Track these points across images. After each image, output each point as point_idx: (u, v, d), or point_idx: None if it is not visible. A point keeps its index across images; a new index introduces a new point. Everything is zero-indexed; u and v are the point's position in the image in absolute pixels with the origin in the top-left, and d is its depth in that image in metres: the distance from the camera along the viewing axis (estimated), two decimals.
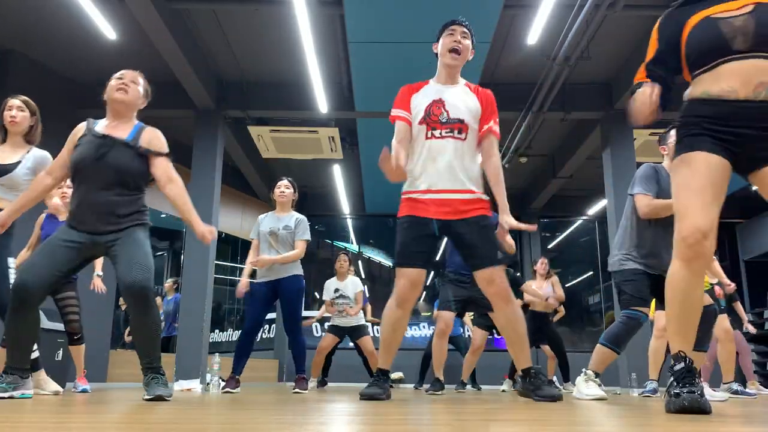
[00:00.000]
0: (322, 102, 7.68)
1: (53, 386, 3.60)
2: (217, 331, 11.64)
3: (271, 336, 11.60)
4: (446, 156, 2.93)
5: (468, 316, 7.51)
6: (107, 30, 6.36)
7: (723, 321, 4.73)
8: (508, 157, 9.11)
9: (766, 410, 2.43)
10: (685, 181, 1.95)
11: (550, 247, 12.73)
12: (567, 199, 11.69)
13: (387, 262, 12.49)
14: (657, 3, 5.99)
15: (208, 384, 4.93)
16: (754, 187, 2.08)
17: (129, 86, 2.85)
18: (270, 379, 10.83)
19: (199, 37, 7.05)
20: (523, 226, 3.07)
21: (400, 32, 6.13)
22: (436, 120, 2.95)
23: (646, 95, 2.08)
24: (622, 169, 7.61)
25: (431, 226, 2.91)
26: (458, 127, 2.96)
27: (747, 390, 5.03)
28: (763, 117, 1.93)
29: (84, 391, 4.18)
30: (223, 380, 4.68)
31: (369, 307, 6.92)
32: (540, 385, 2.94)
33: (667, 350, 4.83)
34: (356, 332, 6.10)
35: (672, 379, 1.92)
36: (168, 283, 9.08)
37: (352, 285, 6.14)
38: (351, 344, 6.46)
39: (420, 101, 3.00)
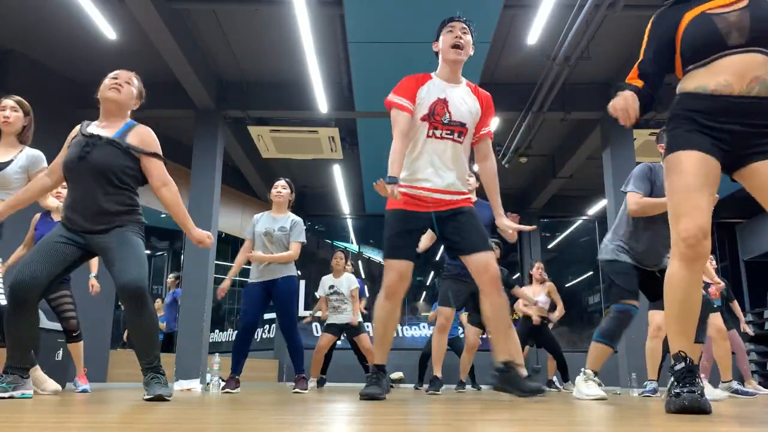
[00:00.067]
0: (322, 102, 7.68)
1: (52, 385, 3.59)
2: (217, 331, 11.65)
3: (271, 336, 11.60)
4: (445, 157, 2.96)
5: (463, 315, 7.51)
6: (107, 30, 6.36)
7: (716, 319, 4.73)
8: (508, 157, 9.11)
9: (766, 410, 2.43)
10: (682, 181, 1.95)
11: (550, 247, 12.73)
12: (567, 199, 11.69)
13: None
14: (657, 3, 5.93)
15: (208, 384, 4.93)
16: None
17: (122, 86, 2.84)
18: (270, 379, 10.83)
19: (199, 37, 7.05)
20: (516, 226, 3.09)
21: (400, 32, 6.13)
22: (438, 120, 2.95)
23: (628, 101, 2.07)
24: (622, 169, 7.61)
25: (426, 220, 2.95)
26: (459, 130, 2.99)
27: (746, 389, 5.03)
28: (755, 112, 1.94)
29: (84, 390, 4.17)
30: (223, 380, 4.68)
31: (363, 302, 6.88)
32: (520, 379, 2.93)
33: (666, 350, 4.84)
34: (353, 330, 6.11)
35: (672, 379, 1.92)
36: (170, 278, 9.24)
37: (347, 282, 6.15)
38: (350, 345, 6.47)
39: (425, 97, 2.97)
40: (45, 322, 4.54)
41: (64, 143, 2.85)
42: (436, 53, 3.10)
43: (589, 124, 8.33)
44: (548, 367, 7.34)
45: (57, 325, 4.44)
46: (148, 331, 2.66)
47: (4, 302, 3.15)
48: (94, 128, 2.81)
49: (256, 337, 11.63)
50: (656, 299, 3.73)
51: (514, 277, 11.33)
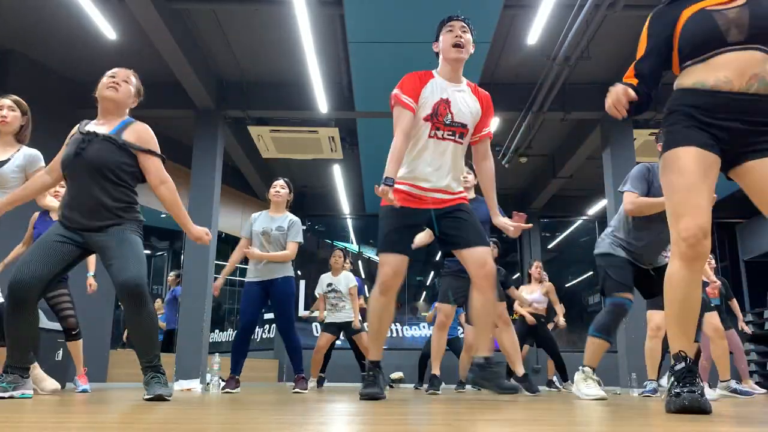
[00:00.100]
0: (322, 102, 7.68)
1: (51, 384, 3.58)
2: (217, 331, 11.65)
3: (271, 336, 11.60)
4: (445, 157, 2.97)
5: (462, 315, 7.53)
6: (107, 30, 6.37)
7: (713, 318, 4.73)
8: (508, 157, 9.11)
9: (765, 410, 2.43)
10: (681, 180, 1.94)
11: (550, 247, 12.73)
12: (567, 199, 11.69)
13: None
14: (657, 3, 5.97)
15: (208, 384, 4.93)
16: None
17: (120, 85, 2.84)
18: (270, 379, 10.83)
19: (199, 37, 7.05)
20: (515, 224, 3.11)
21: (400, 32, 6.13)
22: (441, 121, 2.96)
23: (618, 94, 2.07)
24: (622, 169, 7.61)
25: (425, 217, 2.97)
26: (460, 131, 3.01)
27: (744, 389, 5.03)
28: (753, 110, 1.94)
29: (84, 390, 4.17)
30: (223, 380, 4.68)
31: (362, 299, 6.87)
32: (498, 376, 2.97)
33: (665, 350, 4.84)
34: (352, 328, 6.11)
35: (672, 378, 1.92)
36: (171, 276, 9.29)
37: (345, 280, 6.16)
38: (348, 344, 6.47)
39: (428, 96, 2.97)
40: (45, 322, 4.54)
41: (65, 142, 2.86)
42: (437, 54, 3.11)
43: (589, 124, 8.33)
44: (548, 367, 7.33)
45: (57, 325, 4.44)
46: (148, 330, 2.66)
47: (0, 299, 3.16)
48: (92, 126, 2.82)
49: (256, 337, 11.70)
50: (651, 297, 3.75)
51: (514, 277, 11.35)
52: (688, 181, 1.92)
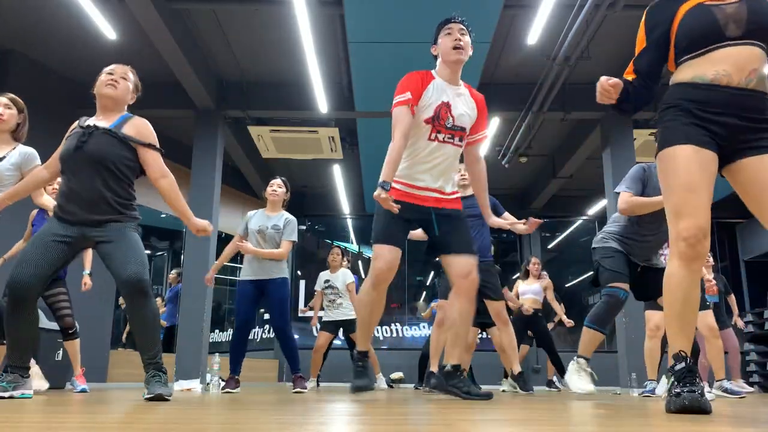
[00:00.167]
0: (322, 102, 7.68)
1: (38, 383, 3.57)
2: (217, 331, 11.65)
3: (271, 336, 11.60)
4: (442, 160, 2.99)
5: None
6: (107, 30, 6.37)
7: (707, 318, 4.73)
8: (508, 157, 9.11)
9: (765, 410, 2.43)
10: (680, 180, 1.93)
11: (550, 247, 12.73)
12: (567, 199, 11.69)
13: None
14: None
15: (208, 384, 4.93)
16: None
17: (119, 82, 2.86)
18: (270, 379, 10.83)
19: (199, 37, 7.05)
20: (505, 223, 3.21)
21: (400, 32, 6.13)
22: (442, 124, 2.96)
23: (602, 84, 2.09)
24: (622, 169, 7.60)
25: (426, 214, 2.99)
26: (459, 135, 3.02)
27: (733, 388, 5.02)
28: (752, 106, 1.94)
29: (83, 390, 4.17)
30: (223, 380, 4.68)
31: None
32: (466, 383, 3.00)
33: (663, 350, 4.84)
34: (350, 326, 6.11)
35: (672, 378, 1.92)
36: (172, 274, 9.33)
37: (343, 276, 6.18)
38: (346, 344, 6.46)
39: (430, 98, 2.96)
40: (45, 322, 4.54)
41: (64, 138, 2.87)
42: (435, 57, 3.11)
43: (589, 124, 8.33)
44: (548, 367, 7.33)
45: (57, 325, 4.44)
46: (151, 325, 2.67)
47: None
48: (92, 121, 2.83)
49: (256, 337, 11.71)
50: (644, 299, 3.75)
51: (514, 277, 11.34)
52: (686, 180, 1.91)
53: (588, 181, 10.46)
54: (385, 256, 2.90)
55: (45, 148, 3.50)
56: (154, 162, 2.82)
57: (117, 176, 2.72)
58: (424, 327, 11.63)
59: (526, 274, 7.04)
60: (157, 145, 2.86)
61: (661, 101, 2.08)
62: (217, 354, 5.08)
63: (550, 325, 7.08)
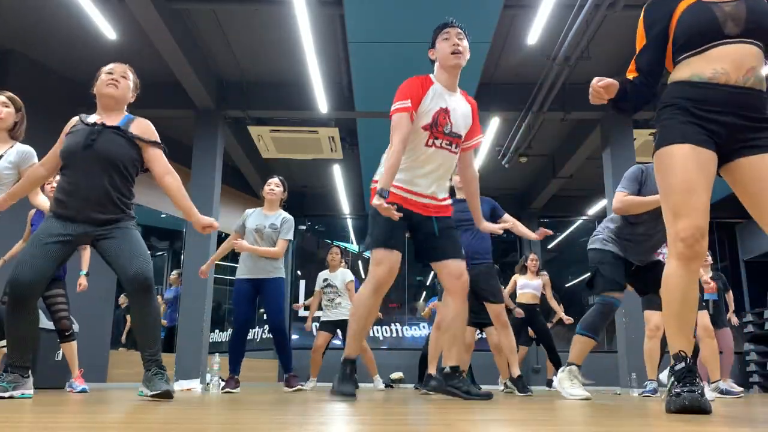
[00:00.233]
0: (322, 102, 7.68)
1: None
2: (217, 331, 11.64)
3: (271, 336, 11.61)
4: (438, 166, 3.00)
5: None
6: (107, 30, 6.36)
7: (703, 318, 4.73)
8: (508, 157, 9.11)
9: (765, 410, 2.43)
10: (678, 180, 1.92)
11: (550, 247, 12.73)
12: (567, 199, 11.69)
13: None
14: None
15: (208, 384, 4.93)
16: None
17: (119, 81, 2.88)
18: (270, 379, 10.83)
19: (199, 37, 7.05)
20: (497, 228, 3.31)
21: (400, 32, 6.13)
22: (440, 131, 2.96)
23: (593, 86, 2.09)
24: (622, 169, 7.56)
25: (427, 219, 3.01)
26: (456, 141, 3.04)
27: (727, 388, 5.02)
28: (749, 104, 1.93)
29: (83, 391, 4.17)
30: (223, 380, 4.69)
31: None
32: (466, 384, 3.01)
33: (663, 350, 4.84)
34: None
35: (672, 378, 1.92)
36: (174, 274, 9.35)
37: (342, 276, 6.20)
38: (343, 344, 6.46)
39: (429, 105, 2.94)
40: (45, 322, 4.53)
41: (60, 136, 2.87)
42: (432, 61, 3.10)
43: (589, 124, 8.33)
44: (548, 367, 7.33)
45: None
46: (153, 322, 2.71)
47: None
48: (95, 119, 2.84)
49: (255, 337, 11.70)
50: (644, 294, 3.76)
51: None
52: (684, 180, 1.91)
53: (588, 181, 10.46)
54: (386, 262, 2.90)
55: (45, 148, 3.49)
56: (160, 159, 2.86)
57: (124, 175, 2.75)
58: (423, 327, 11.62)
59: (524, 270, 7.02)
60: (161, 144, 2.90)
61: (659, 100, 2.08)
62: (217, 354, 5.08)
63: (548, 325, 7.08)
